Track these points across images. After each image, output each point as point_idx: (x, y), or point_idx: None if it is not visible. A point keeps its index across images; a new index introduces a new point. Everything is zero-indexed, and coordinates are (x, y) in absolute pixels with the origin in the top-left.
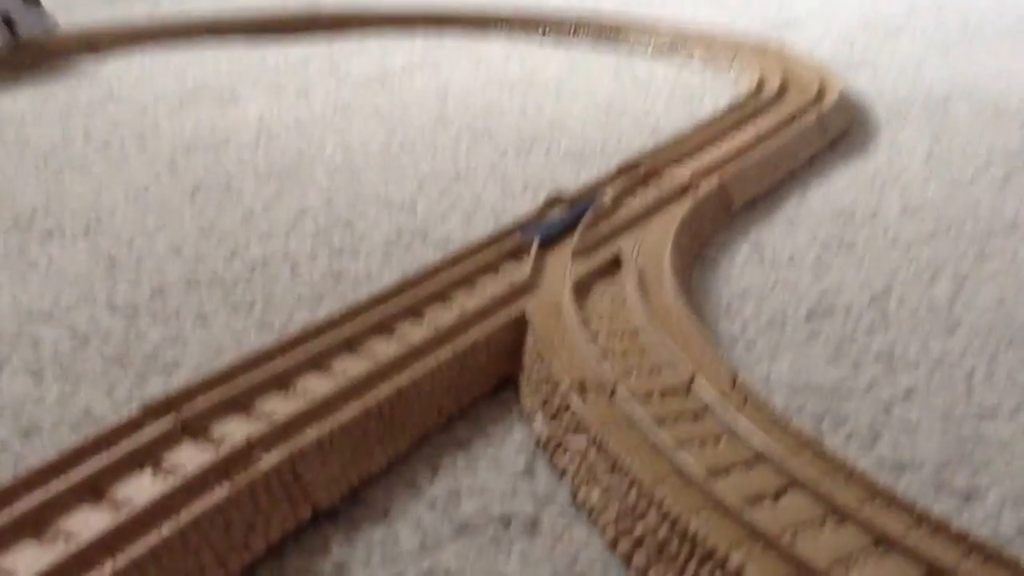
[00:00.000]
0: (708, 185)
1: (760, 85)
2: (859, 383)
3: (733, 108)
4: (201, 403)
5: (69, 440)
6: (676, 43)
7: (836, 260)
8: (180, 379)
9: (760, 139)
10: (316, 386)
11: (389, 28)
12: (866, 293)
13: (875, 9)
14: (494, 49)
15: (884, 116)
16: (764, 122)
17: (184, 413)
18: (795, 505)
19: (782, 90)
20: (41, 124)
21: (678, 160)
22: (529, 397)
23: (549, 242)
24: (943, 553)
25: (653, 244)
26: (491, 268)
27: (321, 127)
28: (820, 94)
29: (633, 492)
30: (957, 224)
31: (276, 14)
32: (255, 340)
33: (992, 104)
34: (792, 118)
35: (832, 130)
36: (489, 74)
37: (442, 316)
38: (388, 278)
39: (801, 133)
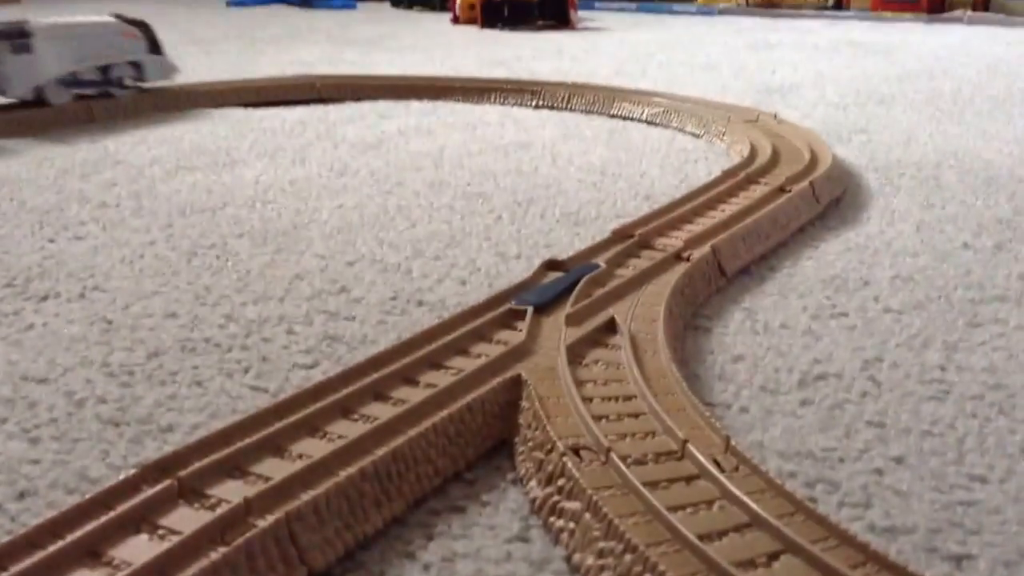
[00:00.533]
0: (701, 252)
1: (753, 153)
2: (851, 449)
3: (726, 176)
4: (197, 466)
5: (65, 502)
6: (670, 110)
7: (828, 328)
8: (175, 442)
9: (753, 207)
10: (311, 449)
11: (385, 97)
12: (858, 360)
13: (867, 78)
14: (489, 114)
15: (876, 184)
16: (757, 190)
17: (180, 476)
18: (789, 570)
19: (774, 158)
20: (37, 187)
21: (671, 227)
22: (524, 461)
23: (544, 308)
24: None
25: (647, 310)
26: (486, 333)
27: (317, 191)
28: (812, 162)
29: (628, 557)
30: (948, 293)
31: (273, 83)
32: (250, 404)
33: (983, 173)
34: (784, 186)
35: (824, 198)
36: (484, 138)
37: (437, 380)
38: (383, 342)
39: (793, 201)
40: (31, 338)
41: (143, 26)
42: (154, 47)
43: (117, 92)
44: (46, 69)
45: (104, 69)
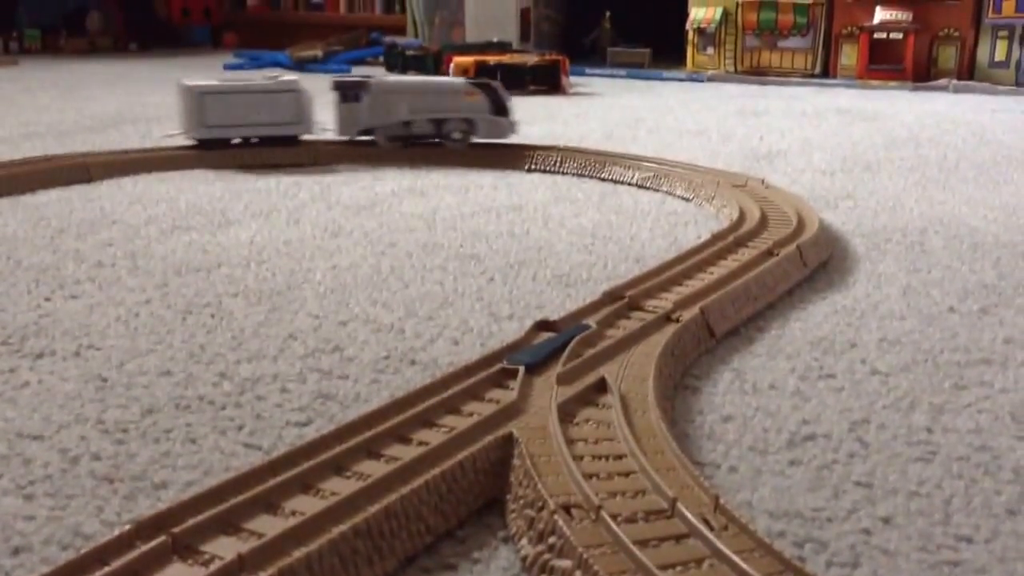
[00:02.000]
0: (690, 314)
1: (741, 217)
2: (840, 509)
3: (715, 239)
4: (191, 522)
5: (59, 558)
6: (660, 175)
7: (816, 389)
8: (169, 499)
9: (741, 270)
10: (305, 506)
11: (378, 159)
12: (845, 421)
13: (854, 145)
14: (481, 177)
15: (863, 248)
16: (745, 253)
17: (174, 532)
18: None
19: (763, 222)
20: (34, 246)
21: (661, 289)
22: (515, 519)
23: (535, 367)
24: None
25: (637, 370)
26: (478, 392)
27: (311, 251)
28: (800, 226)
29: None
30: (934, 355)
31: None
32: (244, 461)
33: (968, 239)
34: (772, 250)
35: (812, 262)
36: (476, 201)
37: (429, 438)
38: (376, 401)
39: (781, 265)
40: (26, 395)
41: (489, 88)
42: (498, 109)
43: (448, 144)
44: (372, 117)
45: (438, 122)
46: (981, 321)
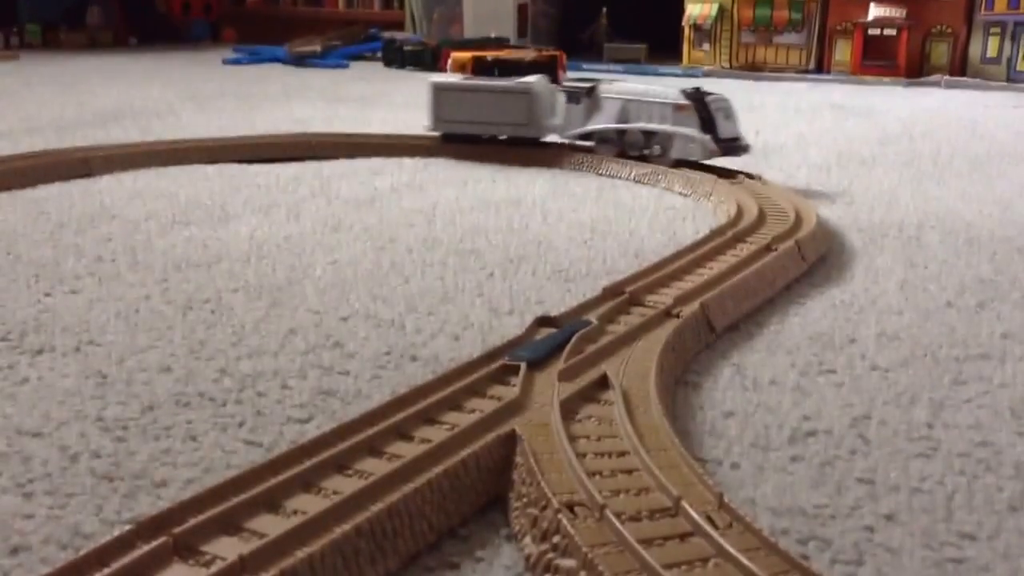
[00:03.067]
0: (690, 309)
1: (739, 212)
2: (842, 506)
3: (714, 234)
4: (192, 523)
5: (59, 558)
6: (657, 170)
7: (816, 384)
8: (170, 497)
9: (740, 265)
10: (306, 505)
11: (378, 154)
12: (846, 417)
13: (849, 140)
14: (480, 171)
15: (860, 243)
16: (744, 249)
17: (175, 532)
18: None
19: (761, 218)
20: (33, 241)
21: (661, 284)
22: (518, 517)
23: (537, 363)
24: None
25: (638, 366)
26: (480, 388)
27: (311, 246)
28: (797, 222)
29: None
30: (932, 350)
31: (268, 140)
32: (244, 458)
33: (964, 233)
34: (770, 245)
35: (810, 257)
36: (475, 195)
37: (432, 435)
38: (377, 397)
39: (780, 260)
40: (25, 392)
41: (700, 103)
42: (706, 125)
43: (651, 159)
44: (589, 121)
45: (648, 134)
46: (978, 316)
